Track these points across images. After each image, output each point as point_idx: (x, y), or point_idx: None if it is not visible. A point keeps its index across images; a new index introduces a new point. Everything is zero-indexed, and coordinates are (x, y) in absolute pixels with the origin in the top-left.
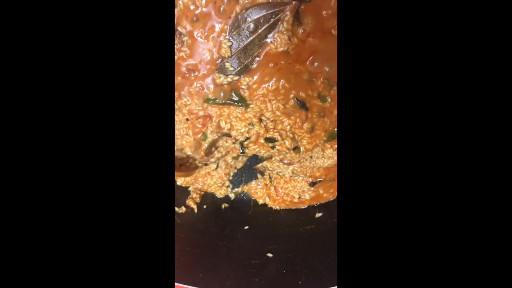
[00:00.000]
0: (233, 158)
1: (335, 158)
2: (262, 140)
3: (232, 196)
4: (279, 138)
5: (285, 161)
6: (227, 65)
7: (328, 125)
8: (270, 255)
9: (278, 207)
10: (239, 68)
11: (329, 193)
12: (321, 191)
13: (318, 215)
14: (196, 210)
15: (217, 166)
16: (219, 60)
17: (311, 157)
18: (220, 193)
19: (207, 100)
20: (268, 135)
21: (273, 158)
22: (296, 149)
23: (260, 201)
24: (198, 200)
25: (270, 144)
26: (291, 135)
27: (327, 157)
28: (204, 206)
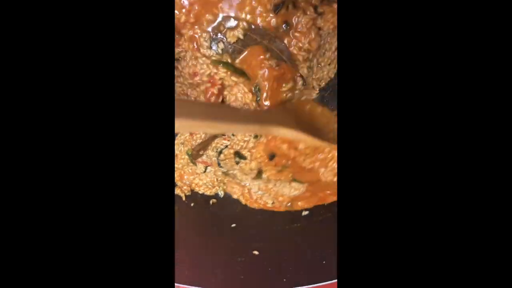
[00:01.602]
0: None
1: (302, 189)
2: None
3: (221, 194)
4: (248, 157)
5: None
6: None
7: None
8: (256, 252)
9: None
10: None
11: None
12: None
13: (305, 213)
14: (184, 199)
15: (205, 171)
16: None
17: (275, 184)
18: (210, 192)
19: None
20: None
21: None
22: (258, 174)
23: (235, 197)
24: (187, 192)
25: (237, 159)
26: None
27: (294, 188)
28: (192, 204)
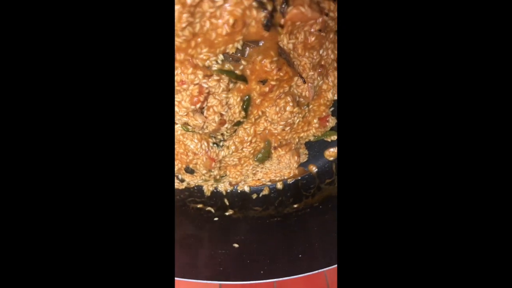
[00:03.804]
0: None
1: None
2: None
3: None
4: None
5: None
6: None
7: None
8: (236, 245)
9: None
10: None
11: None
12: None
13: (285, 209)
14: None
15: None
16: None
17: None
18: None
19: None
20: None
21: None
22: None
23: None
24: None
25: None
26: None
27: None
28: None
